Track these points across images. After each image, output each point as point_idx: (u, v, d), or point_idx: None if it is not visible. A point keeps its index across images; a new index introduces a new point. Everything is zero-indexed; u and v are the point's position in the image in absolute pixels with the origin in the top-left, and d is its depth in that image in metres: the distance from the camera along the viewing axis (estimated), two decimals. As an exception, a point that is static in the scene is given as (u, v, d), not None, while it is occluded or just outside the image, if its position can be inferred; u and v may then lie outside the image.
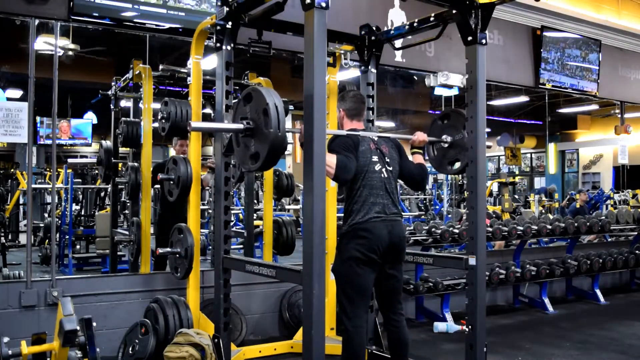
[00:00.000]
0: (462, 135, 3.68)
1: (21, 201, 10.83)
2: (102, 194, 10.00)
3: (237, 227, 8.10)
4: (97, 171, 12.45)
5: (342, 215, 3.34)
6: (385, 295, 3.41)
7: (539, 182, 17.20)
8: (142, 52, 5.39)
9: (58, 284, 4.24)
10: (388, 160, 3.38)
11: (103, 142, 5.65)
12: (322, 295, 2.68)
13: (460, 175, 14.25)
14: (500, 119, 14.24)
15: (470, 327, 3.36)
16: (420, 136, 3.68)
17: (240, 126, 2.92)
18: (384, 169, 3.32)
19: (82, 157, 18.43)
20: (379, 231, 3.18)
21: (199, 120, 4.12)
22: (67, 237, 7.82)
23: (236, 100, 3.09)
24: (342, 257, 3.22)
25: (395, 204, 3.33)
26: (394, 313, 3.40)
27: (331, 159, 3.04)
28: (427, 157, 3.95)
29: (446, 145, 3.80)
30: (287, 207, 11.40)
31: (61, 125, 13.63)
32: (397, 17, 6.04)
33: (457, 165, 3.76)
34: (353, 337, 3.16)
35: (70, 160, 7.96)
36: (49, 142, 13.25)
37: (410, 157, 3.62)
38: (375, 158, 3.31)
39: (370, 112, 4.30)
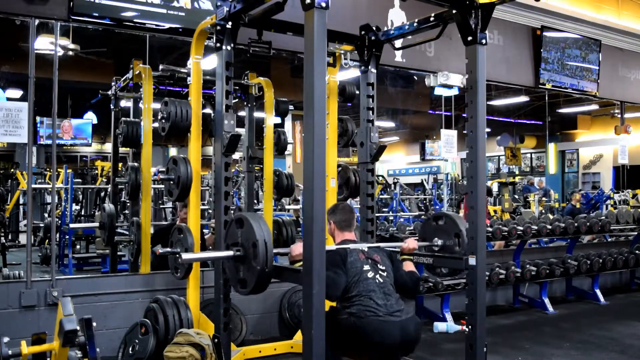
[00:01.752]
0: (453, 242, 3.68)
1: (21, 201, 10.83)
2: (102, 194, 10.01)
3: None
4: (96, 171, 12.48)
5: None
6: None
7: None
8: (142, 52, 5.39)
9: (58, 284, 4.24)
10: (382, 267, 3.31)
11: (106, 205, 5.55)
12: (322, 295, 2.68)
13: (460, 176, 14.24)
14: (500, 119, 14.25)
15: (470, 327, 3.36)
16: (411, 244, 3.66)
17: (230, 253, 3.03)
18: (377, 275, 3.24)
19: (82, 157, 18.46)
20: (387, 332, 3.05)
21: (198, 120, 4.14)
22: (67, 237, 7.82)
23: (228, 225, 3.16)
24: (343, 327, 3.10)
25: (398, 303, 3.21)
26: None
27: None
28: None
29: (437, 249, 3.77)
30: (287, 207, 11.39)
31: (63, 125, 13.64)
32: (397, 17, 6.04)
33: (446, 270, 3.80)
34: None
35: (72, 225, 7.93)
36: (49, 142, 13.26)
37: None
38: (366, 267, 3.24)
39: (370, 112, 4.30)
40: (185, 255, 3.09)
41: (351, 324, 3.08)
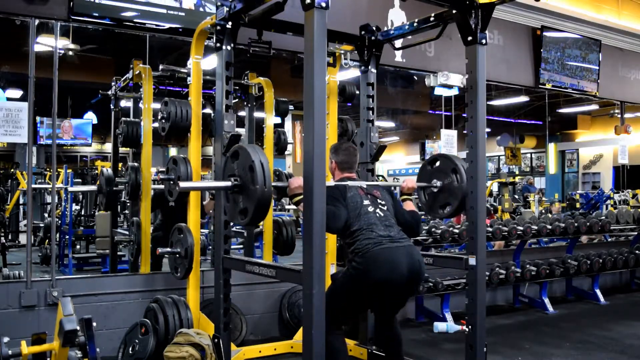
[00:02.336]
0: (451, 179, 3.69)
1: (21, 201, 10.84)
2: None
3: (237, 227, 8.10)
4: (96, 171, 12.45)
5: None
6: (388, 310, 3.36)
7: (539, 182, 17.22)
8: (142, 52, 5.39)
9: (58, 284, 4.24)
10: (382, 202, 3.33)
11: (104, 169, 5.58)
12: (322, 295, 2.68)
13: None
14: (500, 119, 14.25)
15: (470, 327, 3.37)
16: (409, 182, 3.68)
17: (228, 184, 3.02)
18: (377, 209, 3.25)
19: (82, 157, 18.45)
20: (395, 257, 3.04)
21: (198, 120, 4.14)
22: (67, 237, 7.82)
23: (224, 158, 3.18)
24: (350, 277, 3.11)
25: (400, 232, 3.23)
26: (391, 319, 3.39)
27: None
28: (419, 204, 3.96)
29: (436, 190, 3.80)
30: (287, 207, 11.40)
31: (63, 125, 13.64)
32: (397, 17, 6.04)
33: (448, 209, 3.76)
34: (338, 342, 3.14)
35: (71, 189, 8.05)
36: (49, 142, 13.26)
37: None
38: (366, 202, 3.26)
39: (370, 112, 4.30)
40: (183, 184, 3.10)
41: (353, 269, 3.07)
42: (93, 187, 6.59)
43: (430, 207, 3.90)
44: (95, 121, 14.44)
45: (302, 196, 2.79)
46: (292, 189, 3.01)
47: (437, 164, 3.84)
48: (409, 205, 3.57)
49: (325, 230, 2.74)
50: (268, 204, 2.87)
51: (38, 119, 12.80)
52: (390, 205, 3.37)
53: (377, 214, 3.22)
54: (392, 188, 3.73)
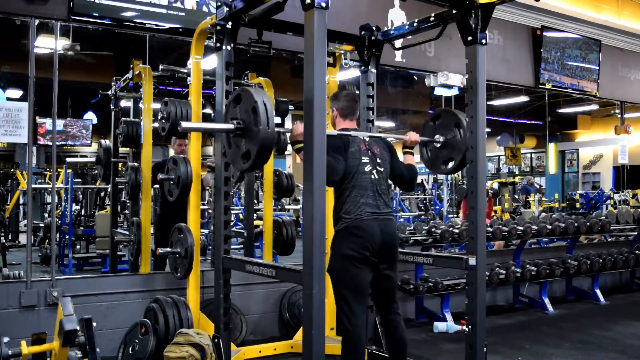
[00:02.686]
0: (454, 133, 3.67)
1: (21, 201, 10.83)
2: (102, 194, 10.00)
3: (237, 227, 8.09)
4: (96, 171, 12.46)
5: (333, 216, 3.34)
6: (382, 296, 3.40)
7: (539, 182, 17.21)
8: (142, 52, 5.39)
9: (58, 284, 4.24)
10: (379, 161, 3.37)
11: (102, 141, 5.66)
12: (322, 295, 2.68)
13: (460, 175, 14.25)
14: (500, 119, 14.24)
15: (470, 327, 3.36)
16: (413, 136, 3.68)
17: (230, 126, 2.98)
18: (374, 170, 3.31)
19: (82, 157, 18.45)
20: (371, 229, 3.19)
21: (198, 120, 4.13)
22: (67, 237, 7.82)
23: (227, 103, 3.15)
24: (336, 257, 3.23)
25: (386, 204, 3.33)
26: (391, 313, 3.40)
27: None
28: (419, 160, 3.95)
29: (439, 145, 3.79)
30: (287, 207, 11.40)
31: (70, 130, 13.60)
32: (397, 17, 6.04)
33: (451, 164, 3.74)
34: (352, 336, 3.16)
35: (69, 160, 8.06)
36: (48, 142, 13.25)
37: (401, 157, 3.61)
38: (365, 159, 3.30)
39: (370, 112, 4.30)
40: (185, 124, 3.09)
41: (340, 239, 3.20)
42: (92, 159, 6.64)
43: (433, 163, 3.88)
44: (95, 121, 14.43)
45: (303, 144, 2.81)
46: (294, 135, 3.03)
47: (439, 120, 3.81)
48: (409, 159, 3.60)
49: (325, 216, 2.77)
50: (271, 145, 2.86)
51: (39, 119, 12.79)
52: (387, 164, 3.41)
53: (372, 176, 3.29)
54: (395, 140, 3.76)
